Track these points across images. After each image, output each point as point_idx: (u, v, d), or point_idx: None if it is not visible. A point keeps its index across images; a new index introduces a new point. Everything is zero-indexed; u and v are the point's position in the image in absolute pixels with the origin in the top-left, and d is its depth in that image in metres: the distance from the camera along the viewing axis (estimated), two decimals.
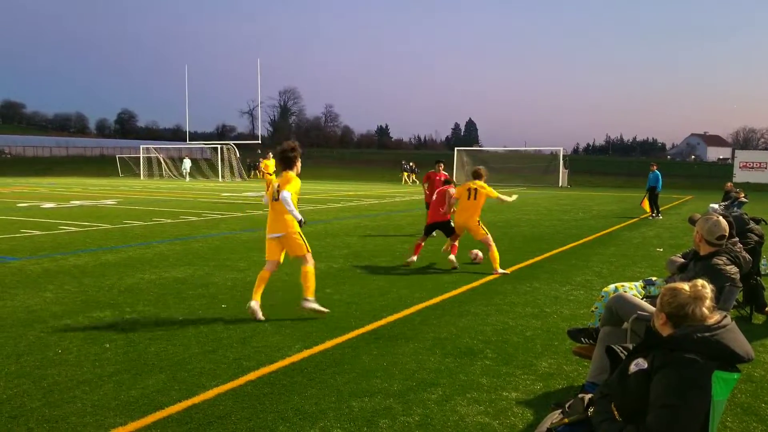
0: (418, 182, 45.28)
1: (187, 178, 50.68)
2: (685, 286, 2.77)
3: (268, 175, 23.05)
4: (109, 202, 23.55)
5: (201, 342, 5.72)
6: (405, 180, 49.03)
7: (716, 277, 4.52)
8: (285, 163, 6.72)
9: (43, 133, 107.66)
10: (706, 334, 2.57)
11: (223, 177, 51.04)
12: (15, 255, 10.58)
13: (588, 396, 3.05)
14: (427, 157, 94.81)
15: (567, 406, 3.03)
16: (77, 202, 22.91)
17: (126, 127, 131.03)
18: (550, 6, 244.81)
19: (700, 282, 2.79)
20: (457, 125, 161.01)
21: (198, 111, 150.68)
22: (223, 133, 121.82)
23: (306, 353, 5.42)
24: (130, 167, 58.74)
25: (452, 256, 10.00)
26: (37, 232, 13.66)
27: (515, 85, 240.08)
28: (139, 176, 54.09)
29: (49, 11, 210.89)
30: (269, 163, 23.20)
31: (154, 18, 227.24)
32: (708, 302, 2.72)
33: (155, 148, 58.78)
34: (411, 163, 51.27)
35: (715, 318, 2.69)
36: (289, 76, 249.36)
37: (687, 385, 2.49)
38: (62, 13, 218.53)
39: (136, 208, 20.91)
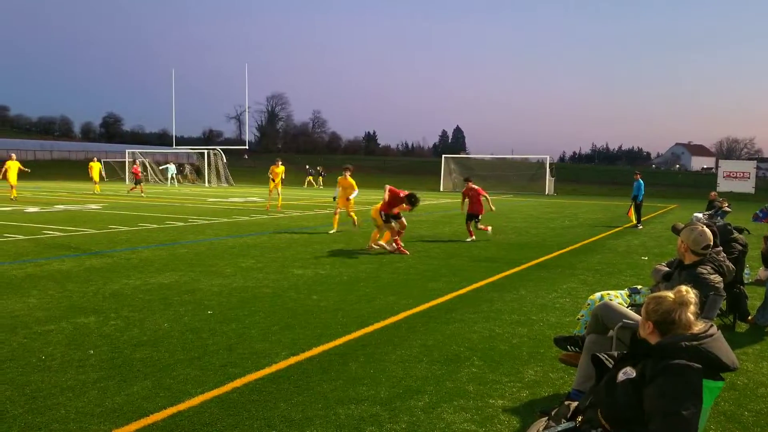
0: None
1: (169, 183, 50.19)
2: (670, 294, 2.80)
3: (272, 182, 22.81)
4: (93, 206, 23.37)
5: (186, 348, 5.68)
6: (312, 183, 52.61)
7: (700, 286, 4.57)
8: None
9: (28, 136, 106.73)
10: (694, 342, 2.59)
11: (209, 182, 50.81)
12: None
13: (574, 403, 3.06)
14: (414, 164, 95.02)
15: (553, 413, 3.04)
16: (62, 207, 22.72)
17: (111, 131, 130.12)
18: (537, 15, 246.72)
19: (683, 288, 2.82)
20: (444, 132, 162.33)
21: (185, 115, 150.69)
22: (209, 137, 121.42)
23: (293, 360, 5.41)
24: (115, 171, 58.27)
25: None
26: (21, 237, 13.52)
27: (503, 93, 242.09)
28: (125, 180, 53.66)
29: (35, 14, 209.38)
30: (278, 170, 22.67)
31: (141, 21, 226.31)
32: (692, 307, 2.75)
33: (140, 152, 58.33)
34: (319, 167, 55.62)
35: (700, 327, 2.72)
36: (277, 81, 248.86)
37: (687, 390, 2.49)
38: (47, 16, 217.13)
39: (121, 212, 20.76)
